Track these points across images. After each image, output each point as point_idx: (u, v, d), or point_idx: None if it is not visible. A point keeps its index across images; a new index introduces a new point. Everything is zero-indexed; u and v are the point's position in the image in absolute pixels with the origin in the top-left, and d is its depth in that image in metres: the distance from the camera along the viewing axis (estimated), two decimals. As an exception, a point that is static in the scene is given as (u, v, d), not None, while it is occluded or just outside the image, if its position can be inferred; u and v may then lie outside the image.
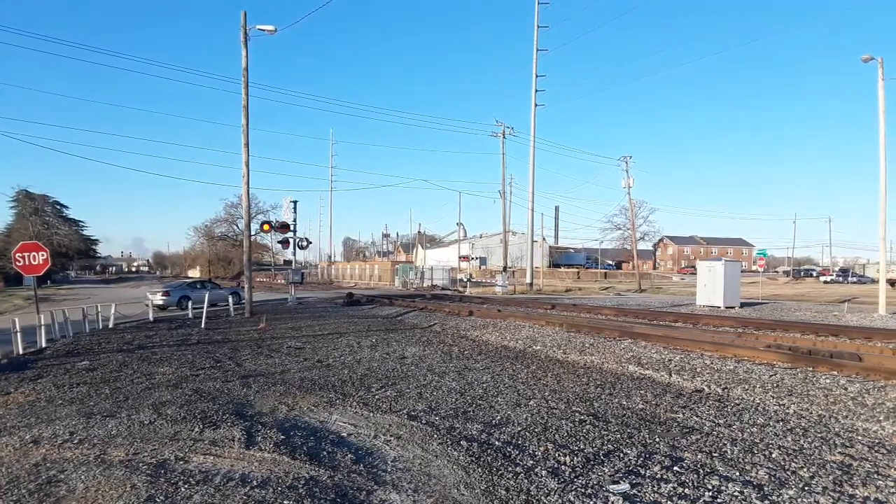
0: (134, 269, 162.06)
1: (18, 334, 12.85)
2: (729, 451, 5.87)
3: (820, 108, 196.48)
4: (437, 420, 7.16)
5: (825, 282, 71.78)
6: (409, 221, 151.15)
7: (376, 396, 8.54)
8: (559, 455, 5.73)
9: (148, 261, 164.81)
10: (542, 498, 4.67)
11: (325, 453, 5.77)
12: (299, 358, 12.25)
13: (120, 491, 4.74)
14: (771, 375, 9.28)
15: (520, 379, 9.97)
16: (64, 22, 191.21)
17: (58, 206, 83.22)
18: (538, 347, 13.56)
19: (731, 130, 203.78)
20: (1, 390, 9.08)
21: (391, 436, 6.43)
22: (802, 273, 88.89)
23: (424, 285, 55.95)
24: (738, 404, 8.03)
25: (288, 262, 45.92)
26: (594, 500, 4.63)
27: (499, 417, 7.31)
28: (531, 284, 47.98)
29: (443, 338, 15.95)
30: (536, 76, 46.69)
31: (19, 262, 14.51)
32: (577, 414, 7.49)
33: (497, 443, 6.17)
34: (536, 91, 46.79)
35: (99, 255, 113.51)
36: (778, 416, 7.34)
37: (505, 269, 48.13)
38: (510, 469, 5.33)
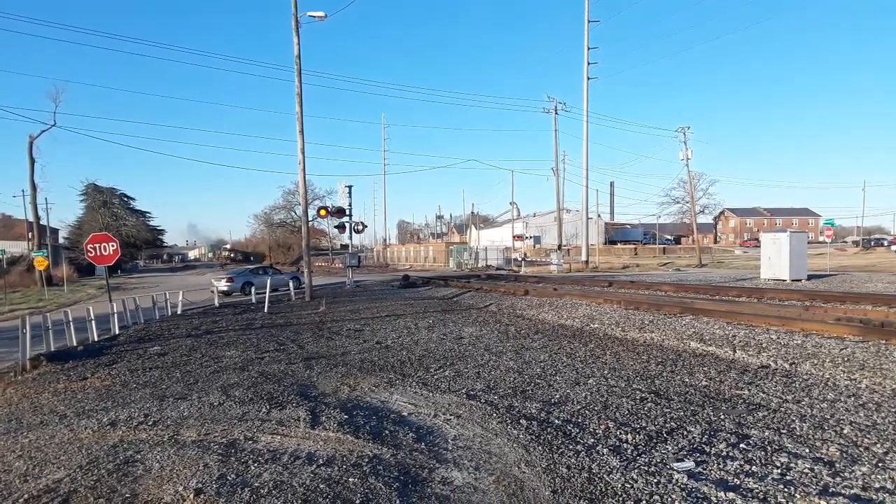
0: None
1: (93, 322, 13.54)
2: (798, 428, 5.70)
3: (888, 72, 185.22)
4: (496, 399, 7.19)
5: (896, 251, 68.09)
6: (462, 202, 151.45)
7: (435, 376, 8.64)
8: (620, 433, 5.68)
9: (226, 248, 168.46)
10: (605, 476, 4.64)
11: (387, 432, 5.89)
12: (359, 340, 12.48)
13: (193, 469, 4.97)
14: (841, 349, 8.91)
15: (578, 357, 9.91)
16: (113, 17, 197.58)
17: (125, 199, 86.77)
18: (596, 325, 13.41)
19: (794, 97, 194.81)
20: (78, 375, 9.60)
21: (451, 415, 6.51)
22: (872, 243, 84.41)
23: (479, 266, 55.94)
24: (807, 380, 7.76)
25: (345, 247, 46.64)
26: (658, 478, 4.58)
27: (558, 396, 7.29)
28: (587, 262, 47.24)
29: (499, 318, 15.96)
30: (588, 48, 45.37)
31: (91, 252, 15.20)
32: (637, 392, 7.40)
33: (557, 421, 6.16)
34: (589, 64, 45.48)
35: (165, 244, 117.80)
36: (849, 391, 7.07)
37: (560, 247, 47.59)
38: (571, 447, 5.32)
